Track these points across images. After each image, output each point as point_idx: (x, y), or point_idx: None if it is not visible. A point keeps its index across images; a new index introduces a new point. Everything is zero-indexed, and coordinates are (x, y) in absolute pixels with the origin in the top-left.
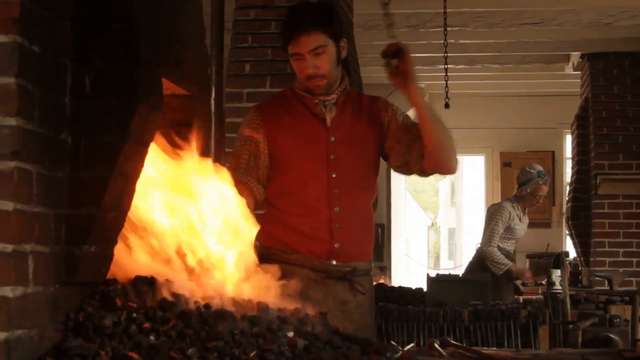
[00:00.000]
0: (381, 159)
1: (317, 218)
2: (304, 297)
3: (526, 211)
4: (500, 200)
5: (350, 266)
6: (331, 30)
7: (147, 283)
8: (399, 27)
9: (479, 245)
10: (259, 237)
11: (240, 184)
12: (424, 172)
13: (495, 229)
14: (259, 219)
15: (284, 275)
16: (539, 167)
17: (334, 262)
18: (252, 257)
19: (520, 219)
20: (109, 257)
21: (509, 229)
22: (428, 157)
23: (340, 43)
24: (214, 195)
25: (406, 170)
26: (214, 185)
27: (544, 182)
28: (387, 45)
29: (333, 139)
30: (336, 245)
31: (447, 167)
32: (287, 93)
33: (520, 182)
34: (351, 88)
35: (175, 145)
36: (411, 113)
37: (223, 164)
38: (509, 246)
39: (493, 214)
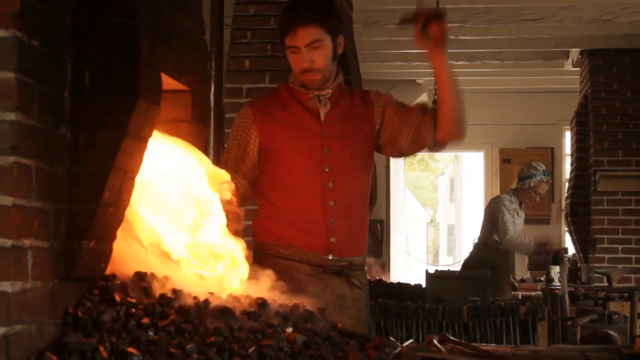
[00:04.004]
0: (383, 150)
1: (312, 212)
2: (302, 292)
3: (522, 207)
4: None
5: (346, 260)
6: (329, 25)
7: (146, 279)
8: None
9: (476, 241)
10: (253, 232)
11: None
12: (437, 144)
13: (507, 219)
14: (252, 213)
15: (281, 271)
16: (544, 167)
17: (330, 257)
18: (248, 252)
19: (517, 214)
20: (108, 252)
21: None
22: (444, 127)
23: (337, 39)
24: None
25: (418, 147)
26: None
27: (547, 181)
28: (419, 9)
29: (326, 133)
30: (332, 240)
31: (461, 134)
32: (282, 89)
33: (523, 176)
34: (345, 84)
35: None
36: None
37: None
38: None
39: (496, 207)
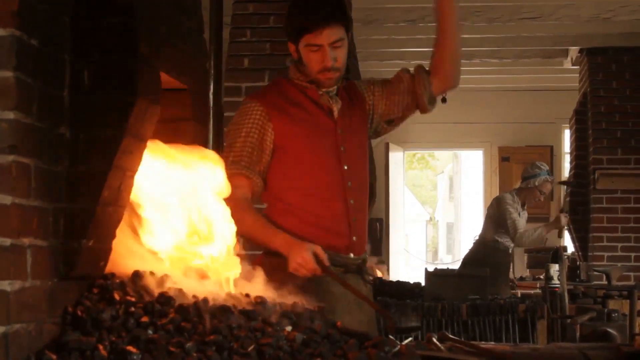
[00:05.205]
0: (380, 132)
1: (335, 211)
2: (325, 292)
3: (525, 207)
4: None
5: (361, 258)
6: (347, 23)
7: (145, 277)
8: (397, 21)
9: (477, 238)
10: None
11: (242, 177)
12: (432, 97)
13: (513, 217)
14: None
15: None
16: (547, 167)
17: (351, 255)
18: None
19: (519, 214)
20: (107, 251)
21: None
22: (438, 70)
23: (348, 36)
24: (212, 187)
25: (412, 109)
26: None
27: (551, 181)
28: None
29: (340, 130)
30: (354, 239)
31: (455, 77)
32: (284, 83)
33: (527, 175)
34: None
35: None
36: None
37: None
38: (508, 241)
39: (501, 207)
